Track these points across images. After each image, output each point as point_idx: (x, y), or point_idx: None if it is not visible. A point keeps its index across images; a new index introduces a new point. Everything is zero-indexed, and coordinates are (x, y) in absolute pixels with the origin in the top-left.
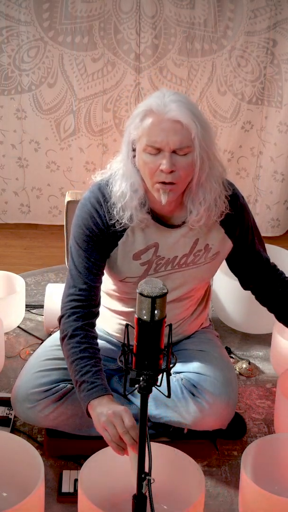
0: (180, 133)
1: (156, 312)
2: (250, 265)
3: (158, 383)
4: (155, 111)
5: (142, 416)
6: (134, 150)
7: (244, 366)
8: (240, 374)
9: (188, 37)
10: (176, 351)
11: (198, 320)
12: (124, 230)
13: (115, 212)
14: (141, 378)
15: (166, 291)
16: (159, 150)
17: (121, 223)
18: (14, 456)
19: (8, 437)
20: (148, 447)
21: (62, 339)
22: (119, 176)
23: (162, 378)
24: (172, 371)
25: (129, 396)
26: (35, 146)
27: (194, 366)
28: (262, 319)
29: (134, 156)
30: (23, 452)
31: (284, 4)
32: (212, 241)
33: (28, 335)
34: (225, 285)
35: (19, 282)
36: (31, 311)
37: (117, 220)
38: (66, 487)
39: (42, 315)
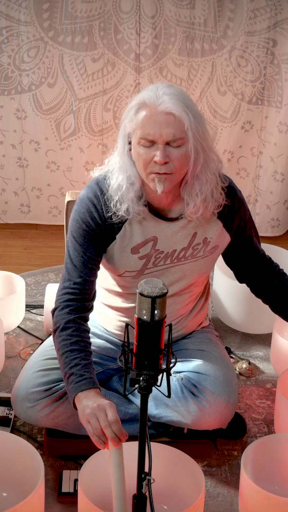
0: (173, 125)
1: (156, 312)
2: (247, 258)
3: (158, 383)
4: (148, 104)
5: (142, 416)
6: (130, 143)
7: (244, 366)
8: (240, 374)
9: (188, 37)
10: (176, 351)
11: (197, 318)
12: (122, 224)
13: (112, 205)
14: (141, 378)
15: (166, 291)
16: (153, 142)
17: (118, 216)
18: (14, 456)
19: (8, 437)
20: (148, 447)
21: (54, 331)
22: (116, 169)
23: (162, 378)
24: (172, 370)
25: (129, 396)
26: (35, 146)
27: (194, 365)
28: (262, 319)
29: (130, 150)
30: (23, 452)
31: (284, 4)
32: (211, 235)
33: (28, 335)
34: (225, 285)
35: (19, 282)
36: (31, 311)
37: (114, 212)
38: (66, 487)
39: (42, 315)
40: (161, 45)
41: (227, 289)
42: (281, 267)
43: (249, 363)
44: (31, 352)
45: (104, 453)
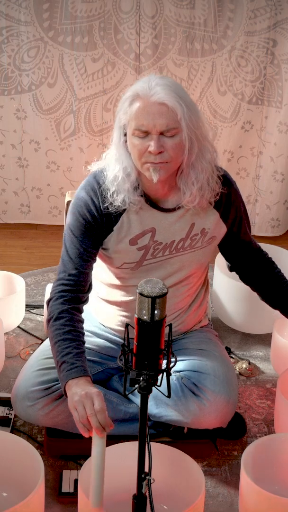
0: (166, 115)
1: (156, 312)
2: (240, 249)
3: (158, 383)
4: (141, 95)
5: (142, 416)
6: (125, 135)
7: (244, 366)
8: (240, 374)
9: (188, 37)
10: (176, 350)
11: (196, 314)
12: (120, 215)
13: (108, 196)
14: (141, 378)
15: (166, 291)
16: (147, 133)
17: (114, 206)
18: (14, 456)
19: (8, 437)
20: (148, 447)
21: (48, 321)
22: (113, 161)
23: (162, 378)
24: (172, 370)
25: (130, 395)
26: (35, 146)
27: (194, 364)
28: (262, 319)
29: (126, 141)
30: (23, 452)
31: (284, 4)
32: (208, 225)
33: (28, 335)
34: (225, 285)
35: (19, 282)
36: (31, 311)
37: (111, 203)
38: (66, 487)
39: (42, 315)
40: (161, 45)
41: (227, 289)
42: (280, 265)
43: (249, 363)
44: (31, 352)
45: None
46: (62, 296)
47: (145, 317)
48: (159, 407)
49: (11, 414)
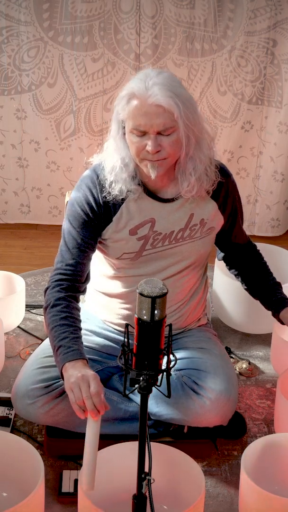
0: (163, 116)
1: (156, 312)
2: (232, 239)
3: (158, 383)
4: (138, 96)
5: (142, 416)
6: (124, 127)
7: (244, 366)
8: (240, 374)
9: (188, 37)
10: (176, 349)
11: (195, 312)
12: (119, 206)
13: (107, 185)
14: (141, 378)
15: (166, 291)
16: (144, 133)
17: (112, 195)
18: (14, 456)
19: (8, 437)
20: (148, 447)
21: (45, 308)
22: (111, 152)
23: (162, 378)
24: (172, 369)
25: (130, 394)
26: (35, 146)
27: (195, 362)
28: (262, 319)
29: (124, 134)
30: (23, 452)
31: (284, 4)
32: (207, 216)
33: (28, 335)
34: (225, 285)
35: (19, 282)
36: (31, 311)
37: (109, 192)
38: (66, 487)
39: (42, 315)
40: (161, 45)
41: (227, 289)
42: (280, 265)
43: (249, 363)
44: (31, 352)
45: (104, 453)
46: (59, 284)
47: (145, 317)
48: (159, 405)
49: (11, 414)
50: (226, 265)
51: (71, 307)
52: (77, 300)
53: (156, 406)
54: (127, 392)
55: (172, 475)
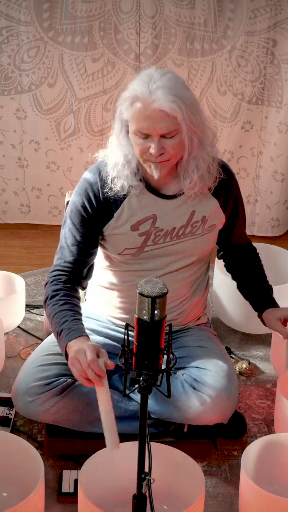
0: (166, 120)
1: (156, 312)
2: (233, 241)
3: (158, 383)
4: (140, 99)
5: (142, 416)
6: (127, 126)
7: (244, 366)
8: (240, 374)
9: (188, 37)
10: (176, 349)
11: (196, 310)
12: (121, 202)
13: (109, 181)
14: (141, 378)
15: (166, 291)
16: (147, 135)
17: (113, 191)
18: (14, 456)
19: (8, 437)
20: (148, 447)
21: (44, 302)
22: (114, 147)
23: (162, 378)
24: (172, 369)
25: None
26: (35, 146)
27: (195, 361)
28: None
29: (127, 132)
30: (23, 452)
31: (284, 4)
32: (208, 213)
33: (28, 335)
34: (225, 285)
35: (19, 282)
36: (31, 311)
37: (111, 188)
38: (66, 487)
39: (42, 315)
40: (161, 45)
41: (227, 289)
42: (280, 265)
43: (249, 363)
44: (31, 352)
45: (104, 453)
46: (57, 279)
47: (145, 317)
48: (160, 404)
49: (11, 414)
50: (224, 263)
51: (69, 295)
52: (76, 290)
53: (157, 405)
54: (127, 391)
55: (172, 475)
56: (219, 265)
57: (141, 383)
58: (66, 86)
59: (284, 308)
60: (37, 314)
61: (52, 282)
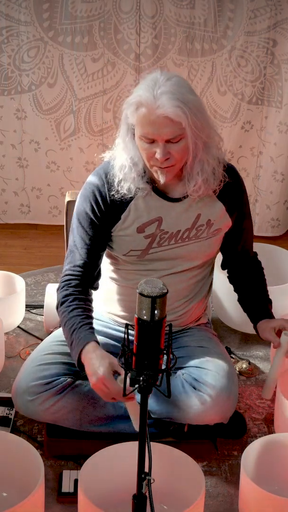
0: (171, 126)
1: (156, 312)
2: (236, 248)
3: (158, 383)
4: (145, 105)
5: (142, 416)
6: (133, 127)
7: (244, 366)
8: (240, 374)
9: (188, 37)
10: (176, 349)
11: (198, 311)
12: (127, 204)
13: (115, 184)
14: (141, 378)
15: (166, 291)
16: (153, 140)
17: (120, 194)
18: (14, 456)
19: (8, 437)
20: (148, 447)
21: (56, 309)
22: (120, 149)
23: (162, 377)
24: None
25: None
26: (35, 146)
27: (195, 360)
28: None
29: (134, 134)
30: (23, 452)
31: (284, 4)
32: (214, 217)
33: (28, 335)
34: (225, 285)
35: (19, 282)
36: (31, 311)
37: (117, 190)
38: (66, 487)
39: (42, 315)
40: (161, 45)
41: (227, 289)
42: (280, 265)
43: (249, 363)
44: (31, 352)
45: (104, 453)
46: (67, 284)
47: (145, 317)
48: (160, 404)
49: (11, 414)
50: (228, 274)
51: (79, 299)
52: (87, 292)
53: (157, 405)
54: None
55: (172, 475)
56: (219, 266)
57: (141, 383)
58: (66, 86)
59: (279, 318)
60: (37, 314)
61: (62, 287)
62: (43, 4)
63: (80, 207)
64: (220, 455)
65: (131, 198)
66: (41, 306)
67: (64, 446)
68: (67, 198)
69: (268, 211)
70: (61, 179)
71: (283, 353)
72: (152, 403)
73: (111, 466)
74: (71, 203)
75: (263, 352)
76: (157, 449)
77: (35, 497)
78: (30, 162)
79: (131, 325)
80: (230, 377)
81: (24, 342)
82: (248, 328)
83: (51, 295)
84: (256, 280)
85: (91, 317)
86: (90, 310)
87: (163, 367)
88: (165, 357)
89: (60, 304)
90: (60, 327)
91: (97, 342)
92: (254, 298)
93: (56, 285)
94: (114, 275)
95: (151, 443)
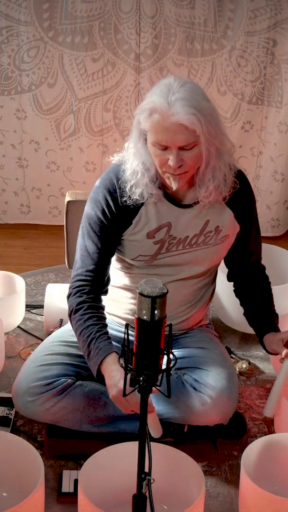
0: (185, 133)
1: (156, 312)
2: (243, 259)
3: (158, 383)
4: (159, 111)
5: (142, 416)
6: (145, 133)
7: (244, 366)
8: (240, 374)
9: (188, 37)
10: (177, 350)
11: (201, 314)
12: (138, 208)
13: (127, 189)
14: (141, 378)
15: (166, 291)
16: (166, 147)
17: (132, 199)
18: (14, 456)
19: (8, 437)
20: (148, 447)
21: (69, 316)
22: (131, 154)
23: (162, 378)
24: (172, 369)
25: None
26: (35, 146)
27: (196, 361)
28: None
29: (146, 139)
30: (23, 452)
31: (284, 4)
32: (222, 223)
33: (28, 335)
34: (225, 285)
35: (19, 282)
36: (31, 311)
37: (129, 196)
38: (66, 487)
39: (42, 315)
40: (161, 45)
41: (227, 289)
42: (280, 265)
43: (249, 363)
44: (31, 352)
45: (104, 453)
46: (79, 290)
47: (145, 317)
48: (160, 404)
49: (11, 414)
50: (234, 287)
51: (93, 307)
52: (99, 299)
53: (157, 405)
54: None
55: (172, 475)
56: (220, 267)
57: (141, 383)
58: (66, 86)
59: (287, 331)
60: (37, 314)
61: (75, 294)
62: (43, 4)
63: (91, 211)
64: (220, 455)
65: (142, 203)
66: (41, 306)
67: (64, 446)
68: (67, 198)
69: (268, 211)
70: (61, 179)
71: None
72: (153, 404)
73: (111, 466)
74: (71, 203)
75: (263, 352)
76: (157, 449)
77: (35, 497)
78: (30, 162)
79: (131, 325)
80: (230, 378)
81: (24, 342)
82: (248, 328)
83: (51, 295)
84: (264, 294)
85: (106, 325)
86: (104, 318)
87: (163, 367)
88: (165, 357)
89: (74, 312)
90: (60, 327)
91: (117, 353)
92: (262, 313)
93: (56, 285)
94: (120, 279)
95: (151, 443)
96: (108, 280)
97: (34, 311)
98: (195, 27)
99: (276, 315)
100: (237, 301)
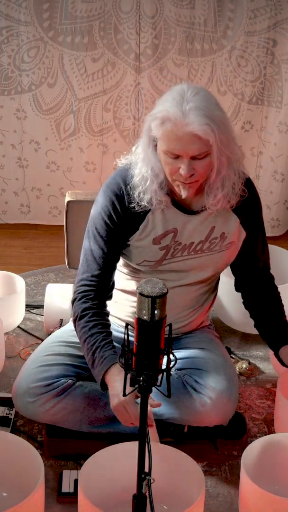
0: (198, 143)
1: (156, 312)
2: (250, 267)
3: (158, 383)
4: (173, 120)
5: (142, 416)
6: (155, 140)
7: (244, 366)
8: (240, 374)
9: (188, 37)
10: (178, 350)
11: (202, 317)
12: (145, 214)
13: (135, 195)
14: (141, 378)
15: (166, 291)
16: (178, 156)
17: (141, 206)
18: (14, 456)
19: (8, 437)
20: (148, 447)
21: (74, 321)
22: (140, 160)
23: (162, 378)
24: (173, 369)
25: None
26: (35, 146)
27: (196, 362)
28: None
29: (156, 146)
30: (23, 452)
31: (284, 4)
32: (228, 230)
33: (28, 335)
34: (225, 285)
35: (19, 282)
36: (31, 311)
37: (137, 202)
38: (66, 487)
39: (42, 315)
40: (161, 45)
41: (227, 289)
42: (280, 265)
43: (249, 363)
44: (31, 352)
45: (104, 453)
46: (84, 295)
47: (145, 317)
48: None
49: (11, 414)
50: (243, 299)
51: (98, 314)
52: (104, 305)
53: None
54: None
55: (172, 475)
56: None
57: (141, 383)
58: (66, 86)
59: None
60: (37, 314)
61: (80, 299)
62: (43, 4)
63: (98, 216)
64: (220, 455)
65: (149, 209)
66: (41, 306)
67: (64, 446)
68: (67, 198)
69: (268, 211)
70: (61, 179)
71: None
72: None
73: (111, 466)
74: (71, 203)
75: (263, 352)
76: (157, 449)
77: (35, 497)
78: (30, 162)
79: (131, 325)
80: (230, 380)
81: (24, 342)
82: (248, 328)
83: (51, 295)
84: (274, 305)
85: (111, 333)
86: (109, 326)
87: (163, 367)
88: (165, 357)
89: (79, 318)
90: (60, 327)
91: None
92: (274, 325)
93: (56, 285)
94: (124, 282)
95: (151, 443)
96: (113, 285)
97: (34, 311)
98: (195, 27)
99: None
100: (238, 301)
